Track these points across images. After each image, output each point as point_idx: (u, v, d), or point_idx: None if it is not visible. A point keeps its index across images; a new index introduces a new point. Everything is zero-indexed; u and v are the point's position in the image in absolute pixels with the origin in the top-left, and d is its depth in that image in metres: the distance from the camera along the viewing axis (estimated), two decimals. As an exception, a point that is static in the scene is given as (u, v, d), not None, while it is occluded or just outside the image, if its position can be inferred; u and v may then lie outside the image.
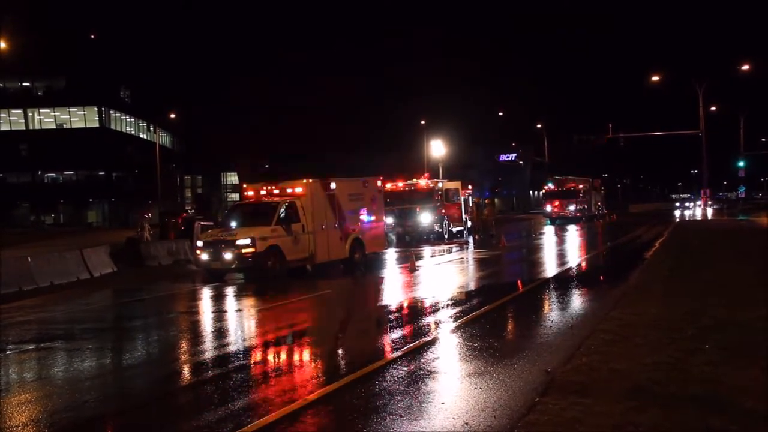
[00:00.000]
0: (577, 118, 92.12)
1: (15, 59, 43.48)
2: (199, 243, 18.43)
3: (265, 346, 10.23)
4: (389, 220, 28.42)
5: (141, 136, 76.70)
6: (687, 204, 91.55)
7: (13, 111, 68.06)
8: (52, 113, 68.72)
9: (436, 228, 32.01)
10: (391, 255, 25.06)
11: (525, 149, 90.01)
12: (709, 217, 46.81)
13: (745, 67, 44.83)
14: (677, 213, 67.62)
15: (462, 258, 23.90)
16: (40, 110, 68.33)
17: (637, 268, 17.72)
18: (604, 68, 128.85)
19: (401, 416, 6.34)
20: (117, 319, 14.08)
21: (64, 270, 19.96)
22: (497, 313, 11.99)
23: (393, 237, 30.43)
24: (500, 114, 79.56)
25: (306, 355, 9.66)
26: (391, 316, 12.28)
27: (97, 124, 68.16)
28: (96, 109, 67.91)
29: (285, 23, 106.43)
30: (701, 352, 7.67)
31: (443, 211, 32.52)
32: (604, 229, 40.22)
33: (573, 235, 35.24)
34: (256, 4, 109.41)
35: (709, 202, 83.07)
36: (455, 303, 13.30)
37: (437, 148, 57.98)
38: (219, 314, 13.48)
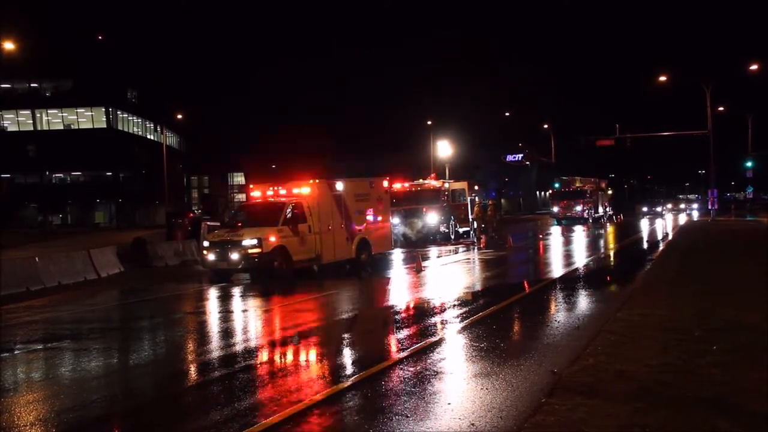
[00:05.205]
0: (583, 118, 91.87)
1: (23, 60, 43.65)
2: (206, 243, 18.46)
3: (272, 346, 10.24)
4: (395, 220, 28.43)
5: (148, 136, 76.93)
6: (658, 209, 72.28)
7: (21, 112, 68.37)
8: (60, 114, 69.00)
9: (443, 228, 31.98)
10: (397, 255, 25.06)
11: (531, 150, 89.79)
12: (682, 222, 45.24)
13: (754, 67, 44.61)
14: (644, 225, 45.52)
15: (468, 258, 23.87)
16: (48, 111, 68.59)
17: (644, 269, 17.68)
18: (611, 68, 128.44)
19: (407, 417, 6.34)
20: (124, 319, 14.13)
21: (72, 270, 20.05)
22: (503, 314, 11.97)
23: (401, 234, 30.42)
24: (506, 114, 79.47)
25: (312, 355, 9.66)
26: (398, 317, 12.28)
27: (104, 125, 68.39)
28: (103, 109, 68.14)
29: (292, 24, 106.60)
30: (708, 354, 7.65)
31: (449, 211, 32.50)
32: (610, 230, 40.12)
33: (579, 235, 35.17)
34: (263, 5, 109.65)
35: (682, 205, 79.25)
36: (461, 303, 13.29)
37: (444, 149, 57.97)
38: (225, 314, 13.51)
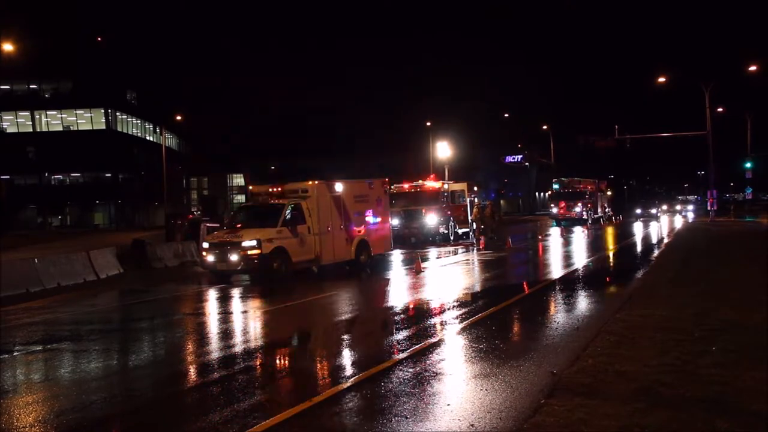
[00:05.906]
0: (583, 118, 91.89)
1: (22, 61, 43.68)
2: (205, 245, 18.45)
3: (272, 347, 10.23)
4: (395, 221, 28.43)
5: (147, 138, 76.98)
6: (653, 210, 67.63)
7: (21, 113, 68.40)
8: (59, 115, 69.03)
9: (442, 230, 31.99)
10: (396, 256, 25.05)
11: (531, 151, 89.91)
12: (677, 227, 44.78)
13: (753, 68, 44.66)
14: (641, 227, 42.64)
15: (468, 260, 23.87)
16: (47, 112, 68.64)
17: (643, 270, 17.68)
18: (611, 68, 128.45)
19: (407, 417, 6.34)
20: (123, 320, 14.12)
21: (71, 271, 20.03)
22: (503, 315, 11.97)
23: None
24: (506, 115, 79.55)
25: (312, 356, 9.66)
26: (397, 318, 12.27)
27: (103, 126, 68.41)
28: (102, 111, 68.17)
29: (291, 24, 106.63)
30: (708, 354, 7.65)
31: (449, 212, 32.51)
32: (610, 231, 40.11)
33: (579, 236, 35.17)
34: (263, 6, 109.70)
35: (678, 207, 78.17)
36: (461, 305, 13.28)
37: (443, 150, 57.93)
38: (225, 316, 13.50)
